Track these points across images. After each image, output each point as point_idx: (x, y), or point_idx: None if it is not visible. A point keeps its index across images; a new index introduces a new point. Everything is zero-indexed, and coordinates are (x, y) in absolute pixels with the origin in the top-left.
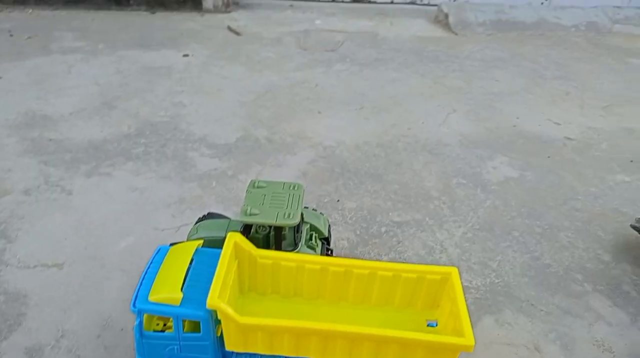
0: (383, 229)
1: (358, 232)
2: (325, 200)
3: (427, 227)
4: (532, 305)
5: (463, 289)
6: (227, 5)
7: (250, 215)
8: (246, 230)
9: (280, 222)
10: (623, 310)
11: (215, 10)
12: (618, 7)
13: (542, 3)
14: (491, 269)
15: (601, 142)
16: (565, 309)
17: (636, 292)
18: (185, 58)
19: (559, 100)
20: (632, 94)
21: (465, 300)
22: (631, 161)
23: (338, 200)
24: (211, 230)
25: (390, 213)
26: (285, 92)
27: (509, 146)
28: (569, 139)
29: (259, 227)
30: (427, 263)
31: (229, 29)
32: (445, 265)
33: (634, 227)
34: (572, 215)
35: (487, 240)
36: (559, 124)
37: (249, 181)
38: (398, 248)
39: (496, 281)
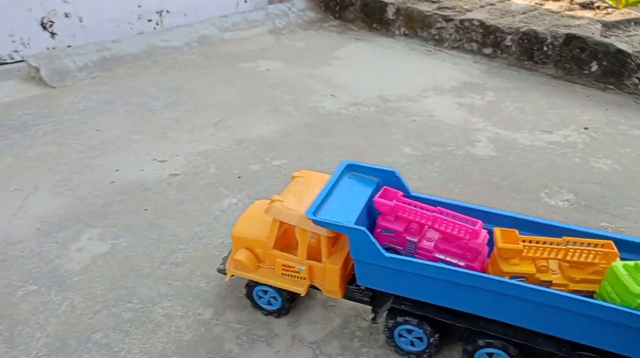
0: None
1: None
2: None
3: None
4: None
5: None
6: None
7: None
8: None
9: None
10: None
11: None
12: (225, 16)
13: (154, 28)
14: None
15: (210, 165)
16: None
17: (239, 346)
18: None
19: (168, 131)
20: (242, 100)
21: None
22: (239, 177)
23: None
24: None
25: None
26: None
27: (102, 212)
28: (174, 175)
29: None
30: None
31: None
32: None
33: (219, 270)
34: (171, 275)
35: None
36: (164, 161)
37: None
38: None
39: None
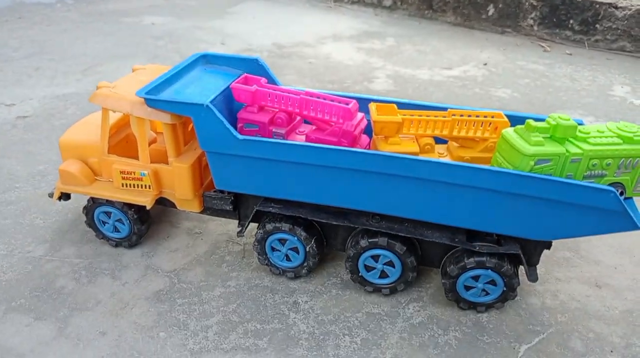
0: None
1: None
2: None
3: None
4: None
5: None
6: None
7: None
8: None
9: None
10: None
11: None
12: None
13: None
14: None
15: (68, 107)
16: None
17: (75, 281)
18: None
19: (24, 78)
20: (119, 50)
21: None
22: None
23: None
24: None
25: None
26: None
27: None
28: (22, 117)
29: None
30: None
31: None
32: None
33: (50, 195)
34: (2, 213)
35: None
36: (12, 105)
37: None
38: None
39: None
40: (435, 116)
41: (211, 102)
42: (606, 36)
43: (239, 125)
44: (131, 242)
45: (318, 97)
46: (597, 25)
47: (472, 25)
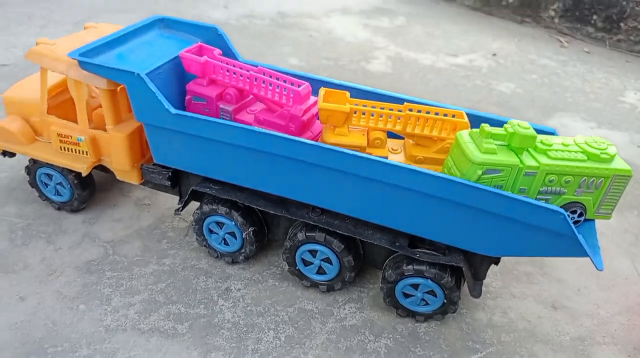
0: None
1: None
2: None
3: None
4: None
5: None
6: None
7: None
8: None
9: None
10: None
11: None
12: None
13: None
14: None
15: None
16: None
17: (10, 241)
18: None
19: (13, 25)
20: (117, 2)
21: None
22: None
23: None
24: None
25: None
26: None
27: None
28: (1, 65)
29: None
30: None
31: None
32: None
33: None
34: None
35: None
36: None
37: None
38: None
39: None
40: (390, 109)
41: (154, 70)
42: (630, 36)
43: (188, 97)
44: (73, 207)
45: (270, 76)
46: (622, 24)
47: (490, 11)
